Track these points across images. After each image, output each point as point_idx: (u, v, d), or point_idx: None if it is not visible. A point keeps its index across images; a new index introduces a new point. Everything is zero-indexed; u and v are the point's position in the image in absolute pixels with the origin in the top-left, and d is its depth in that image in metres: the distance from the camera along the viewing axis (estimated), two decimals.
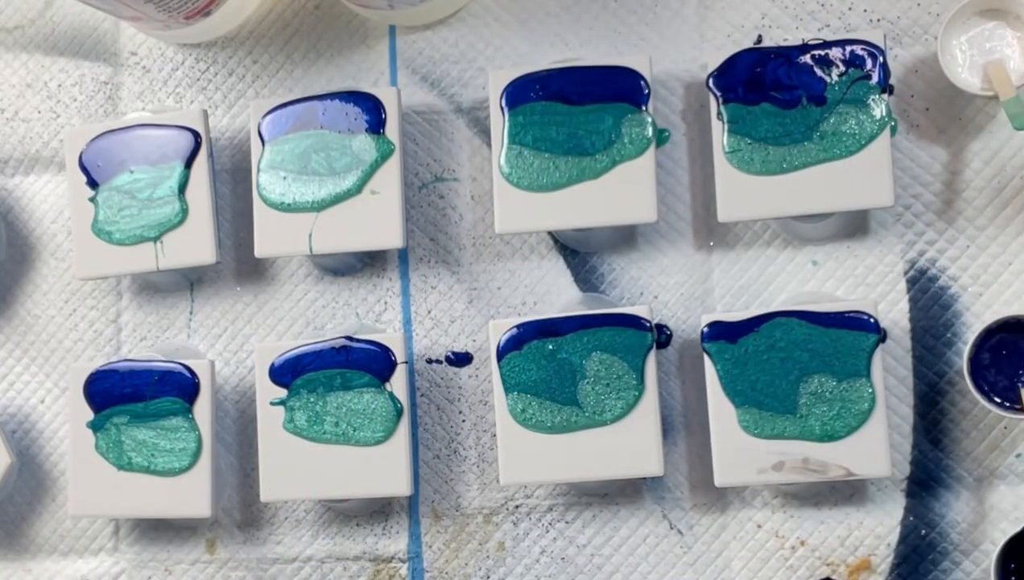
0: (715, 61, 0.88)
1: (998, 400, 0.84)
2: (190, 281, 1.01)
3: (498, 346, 0.89)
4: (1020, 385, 0.84)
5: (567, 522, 0.94)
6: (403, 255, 0.98)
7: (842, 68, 0.86)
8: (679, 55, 0.95)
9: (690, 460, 0.92)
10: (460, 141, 0.98)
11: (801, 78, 0.87)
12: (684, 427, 0.92)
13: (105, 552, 1.00)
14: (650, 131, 0.88)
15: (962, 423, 0.88)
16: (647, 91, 0.89)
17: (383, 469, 0.90)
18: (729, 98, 0.88)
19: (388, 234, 0.92)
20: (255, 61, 1.02)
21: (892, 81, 0.89)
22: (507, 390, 0.88)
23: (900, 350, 0.90)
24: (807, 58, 0.87)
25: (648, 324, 0.87)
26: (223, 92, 1.02)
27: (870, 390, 0.84)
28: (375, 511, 0.96)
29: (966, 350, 0.84)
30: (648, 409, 0.86)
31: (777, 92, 0.87)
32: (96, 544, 1.00)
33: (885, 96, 0.86)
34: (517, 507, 0.94)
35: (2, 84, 1.06)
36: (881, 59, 0.86)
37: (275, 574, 0.97)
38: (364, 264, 0.99)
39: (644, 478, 0.92)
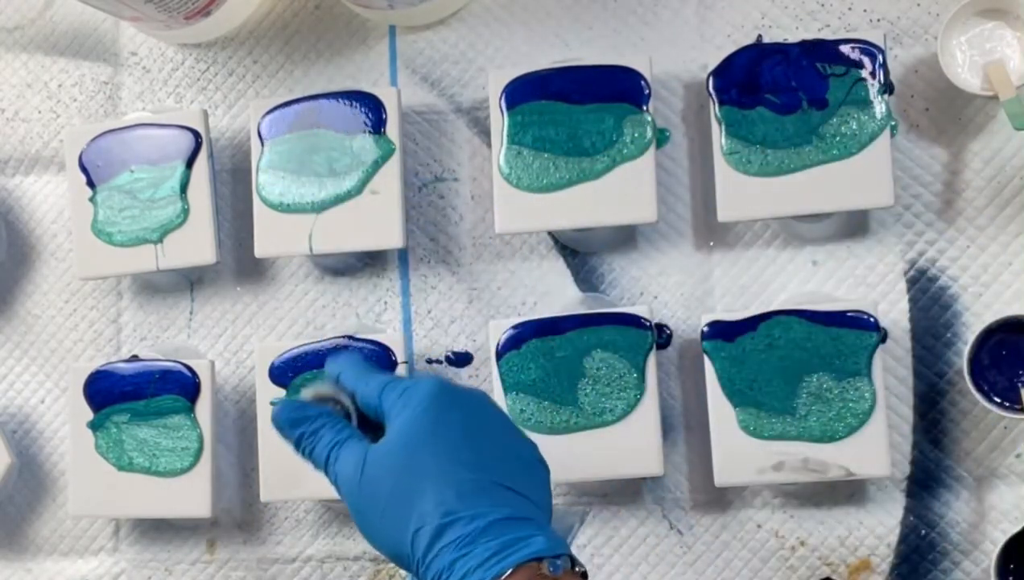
0: (715, 61, 0.88)
1: (998, 400, 0.84)
2: (190, 281, 1.01)
3: (497, 346, 0.89)
4: (1020, 385, 0.84)
5: None
6: (403, 255, 0.98)
7: (842, 69, 0.86)
8: (679, 55, 0.95)
9: (690, 460, 0.92)
10: (460, 141, 0.98)
11: (801, 80, 0.87)
12: (684, 427, 0.92)
13: (105, 552, 1.00)
14: (650, 131, 0.88)
15: (962, 423, 0.88)
16: (647, 91, 0.89)
17: None
18: (725, 100, 0.88)
19: (388, 234, 0.92)
20: (255, 61, 1.02)
21: (892, 81, 0.89)
22: (507, 390, 0.88)
23: (900, 350, 0.90)
24: (807, 59, 0.87)
25: (648, 324, 0.87)
26: (223, 92, 1.02)
27: (870, 390, 0.84)
28: None
29: (966, 350, 0.84)
30: (648, 409, 0.86)
31: (775, 95, 0.87)
32: (96, 544, 1.00)
33: (885, 96, 0.86)
34: None
35: (2, 84, 1.06)
36: (881, 59, 0.86)
37: (275, 574, 0.97)
38: (364, 264, 0.99)
39: (644, 478, 0.92)
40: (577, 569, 0.60)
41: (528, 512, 0.61)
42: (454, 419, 0.63)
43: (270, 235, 0.94)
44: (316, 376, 0.92)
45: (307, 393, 0.69)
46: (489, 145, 0.94)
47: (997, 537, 0.86)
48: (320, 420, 0.66)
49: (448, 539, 0.59)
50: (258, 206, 0.94)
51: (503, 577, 0.57)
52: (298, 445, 0.67)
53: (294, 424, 0.67)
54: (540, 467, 0.65)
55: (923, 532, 0.88)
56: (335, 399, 0.68)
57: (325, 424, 0.66)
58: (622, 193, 0.88)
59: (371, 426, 0.66)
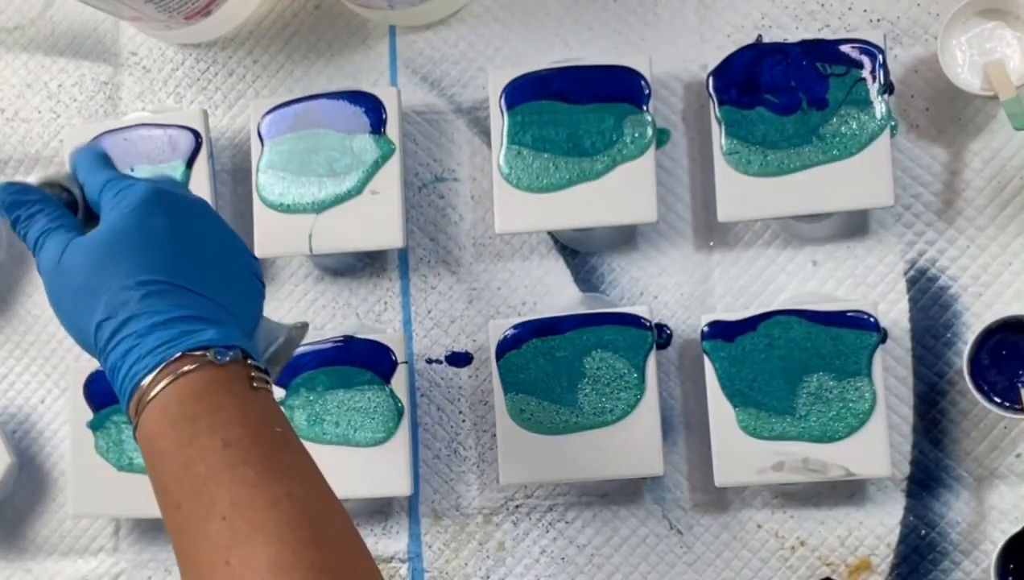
0: (715, 61, 0.88)
1: (998, 400, 0.84)
2: None
3: (497, 346, 0.89)
4: (1020, 385, 0.84)
5: (567, 522, 0.94)
6: (403, 255, 0.98)
7: (842, 69, 0.86)
8: (679, 55, 0.95)
9: (690, 460, 0.92)
10: (460, 141, 0.98)
11: (801, 80, 0.87)
12: (684, 427, 0.92)
13: (105, 552, 1.00)
14: (650, 131, 0.88)
15: (962, 423, 0.88)
16: (647, 91, 0.89)
17: (383, 469, 0.90)
18: (724, 100, 0.88)
19: (388, 234, 0.92)
20: (255, 61, 1.02)
21: (892, 81, 0.89)
22: (506, 390, 0.88)
23: (900, 350, 0.90)
24: (807, 59, 0.87)
25: (648, 324, 0.87)
26: (223, 92, 1.02)
27: (870, 390, 0.84)
28: (375, 511, 0.96)
29: (966, 350, 0.84)
30: (648, 409, 0.86)
31: (774, 96, 0.87)
32: (96, 544, 1.00)
33: (885, 96, 0.86)
34: (517, 507, 0.94)
35: (2, 84, 1.06)
36: (881, 59, 0.86)
37: None
38: (364, 264, 0.99)
39: (644, 478, 0.92)
40: (251, 362, 0.62)
41: (213, 315, 0.63)
42: (160, 223, 0.65)
43: (270, 235, 0.94)
44: (315, 375, 0.92)
45: (38, 177, 0.69)
46: (489, 145, 0.94)
47: (997, 537, 0.86)
48: (37, 206, 0.67)
49: (125, 333, 0.62)
50: (258, 206, 0.94)
51: (170, 361, 0.60)
52: (14, 226, 0.68)
53: (11, 206, 0.67)
54: (249, 282, 0.68)
55: (923, 532, 0.88)
56: (66, 188, 0.69)
57: (42, 210, 0.67)
58: (622, 193, 0.88)
59: (96, 221, 0.67)
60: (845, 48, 0.86)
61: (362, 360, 0.91)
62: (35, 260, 0.67)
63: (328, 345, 0.92)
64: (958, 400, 0.89)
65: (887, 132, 0.85)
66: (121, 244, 0.64)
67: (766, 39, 0.93)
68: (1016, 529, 0.83)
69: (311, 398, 0.91)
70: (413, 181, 0.98)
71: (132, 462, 0.93)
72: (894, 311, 0.90)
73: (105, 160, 0.70)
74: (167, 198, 0.66)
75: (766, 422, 0.85)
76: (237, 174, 1.01)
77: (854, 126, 0.86)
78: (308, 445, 0.90)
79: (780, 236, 0.92)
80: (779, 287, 0.92)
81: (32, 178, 0.69)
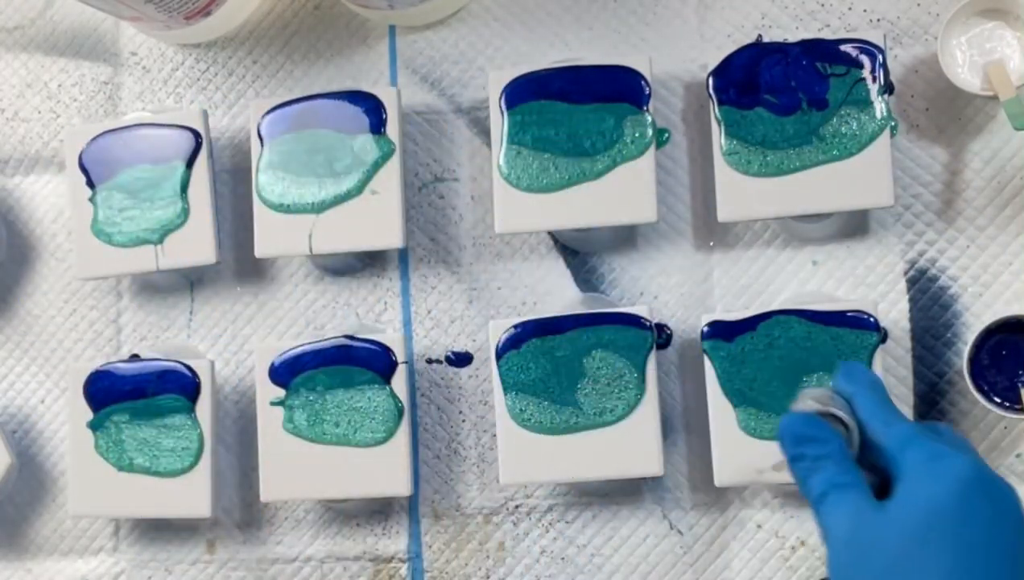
0: (715, 61, 0.88)
1: (998, 400, 0.84)
2: (190, 281, 1.01)
3: (497, 346, 0.89)
4: (1020, 385, 0.84)
5: (567, 522, 0.94)
6: (403, 255, 0.98)
7: (842, 69, 0.86)
8: (679, 55, 0.95)
9: (690, 460, 0.92)
10: (460, 141, 0.98)
11: (801, 80, 0.87)
12: (684, 427, 0.92)
13: (105, 552, 1.00)
14: (650, 131, 0.88)
15: (962, 423, 0.88)
16: (647, 91, 0.89)
17: (383, 469, 0.90)
18: (724, 100, 0.88)
19: (388, 234, 0.92)
20: (255, 61, 1.02)
21: (892, 81, 0.89)
22: (506, 390, 0.88)
23: (900, 350, 0.90)
24: (806, 59, 0.87)
25: (648, 324, 0.87)
26: (223, 92, 1.02)
27: None
28: (375, 511, 0.96)
29: (966, 350, 0.84)
30: (648, 409, 0.86)
31: (773, 96, 0.87)
32: (96, 544, 1.00)
33: (885, 96, 0.86)
34: (517, 507, 0.94)
35: (2, 84, 1.06)
36: (881, 59, 0.86)
37: (275, 574, 0.97)
38: (364, 264, 0.99)
39: (644, 478, 0.92)
40: None
41: None
42: (981, 518, 0.54)
43: (270, 235, 0.94)
44: (315, 374, 0.91)
45: (814, 404, 0.62)
46: (489, 145, 0.94)
47: None
48: (828, 447, 0.59)
49: None
50: (258, 206, 0.94)
51: None
52: (792, 462, 0.61)
53: (799, 441, 0.60)
54: None
55: None
56: (837, 417, 0.61)
57: (831, 456, 0.59)
58: (622, 193, 0.88)
59: (867, 463, 0.60)
60: (845, 48, 0.86)
61: (362, 360, 0.91)
62: (814, 511, 0.59)
63: (328, 345, 0.92)
64: (958, 400, 0.89)
65: (887, 132, 0.85)
66: (936, 539, 0.54)
67: (766, 39, 0.93)
68: None
69: (311, 398, 0.91)
70: (413, 181, 0.98)
71: (132, 462, 0.93)
72: (894, 311, 0.90)
73: (886, 396, 0.61)
74: (989, 483, 0.55)
75: (766, 422, 0.85)
76: (237, 174, 1.01)
77: (854, 126, 0.86)
78: (308, 445, 0.91)
79: (780, 236, 0.92)
80: (779, 287, 0.92)
81: (807, 401, 0.62)
